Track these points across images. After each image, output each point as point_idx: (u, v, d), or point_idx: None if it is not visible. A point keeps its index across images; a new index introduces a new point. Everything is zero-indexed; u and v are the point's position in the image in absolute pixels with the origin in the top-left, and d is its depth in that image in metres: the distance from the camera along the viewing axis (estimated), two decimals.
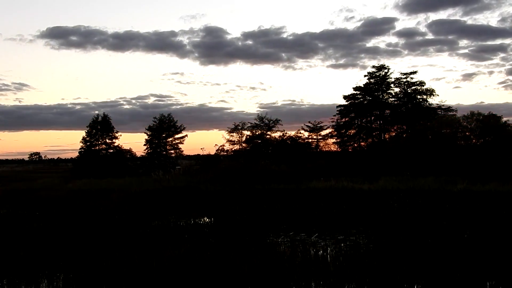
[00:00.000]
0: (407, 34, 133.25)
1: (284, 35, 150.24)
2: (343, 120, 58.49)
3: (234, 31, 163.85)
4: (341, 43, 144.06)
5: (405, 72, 57.92)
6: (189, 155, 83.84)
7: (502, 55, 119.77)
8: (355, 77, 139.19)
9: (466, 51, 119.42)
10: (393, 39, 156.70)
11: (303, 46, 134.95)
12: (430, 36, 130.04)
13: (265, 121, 63.37)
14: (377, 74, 57.57)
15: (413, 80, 56.45)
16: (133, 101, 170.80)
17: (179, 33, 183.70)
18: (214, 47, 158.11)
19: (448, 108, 55.32)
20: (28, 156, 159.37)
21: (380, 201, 24.41)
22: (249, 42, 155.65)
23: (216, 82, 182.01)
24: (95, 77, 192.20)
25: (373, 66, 58.31)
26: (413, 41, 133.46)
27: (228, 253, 13.60)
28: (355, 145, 58.49)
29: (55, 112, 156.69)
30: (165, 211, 25.39)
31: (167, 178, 43.20)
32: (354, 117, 58.02)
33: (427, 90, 55.99)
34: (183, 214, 24.45)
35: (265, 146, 61.41)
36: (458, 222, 17.65)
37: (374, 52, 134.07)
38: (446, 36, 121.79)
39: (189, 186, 35.08)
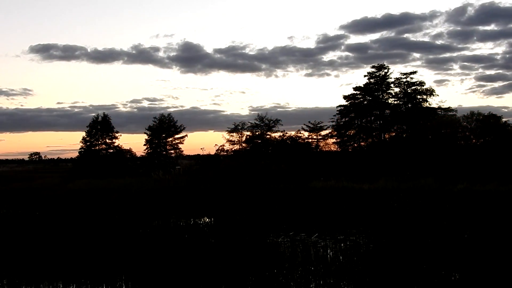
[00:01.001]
0: (358, 48, 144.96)
1: (248, 50, 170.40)
2: (343, 120, 58.48)
3: (207, 46, 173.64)
4: (301, 57, 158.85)
5: (404, 72, 57.90)
6: (189, 155, 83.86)
7: (455, 65, 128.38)
8: (327, 84, 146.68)
9: (418, 62, 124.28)
10: (346, 53, 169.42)
11: (271, 59, 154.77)
12: (380, 51, 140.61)
13: (265, 121, 63.38)
14: (377, 74, 57.54)
15: (413, 80, 56.47)
16: (129, 104, 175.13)
17: (157, 49, 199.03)
18: (192, 60, 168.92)
19: (448, 108, 55.31)
20: (28, 156, 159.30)
21: (380, 201, 24.42)
22: (223, 56, 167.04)
23: (204, 88, 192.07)
24: (89, 83, 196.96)
25: (373, 66, 58.24)
26: (366, 55, 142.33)
27: (228, 253, 13.61)
28: (355, 145, 58.44)
29: (55, 114, 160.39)
30: (165, 211, 25.38)
31: (167, 178, 43.23)
32: (354, 117, 58.00)
33: (427, 90, 55.98)
34: (183, 214, 24.44)
35: (265, 146, 61.39)
36: (458, 222, 17.66)
37: (330, 64, 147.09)
38: (397, 50, 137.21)
39: (189, 186, 35.09)
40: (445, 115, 53.90)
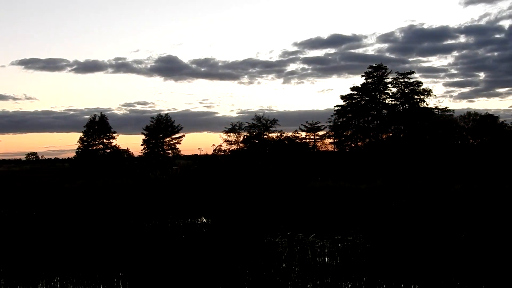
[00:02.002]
0: (317, 61, 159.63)
1: (220, 62, 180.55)
2: (341, 120, 58.47)
3: (184, 59, 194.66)
4: (267, 68, 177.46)
5: (402, 72, 57.79)
6: (187, 155, 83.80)
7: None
8: (301, 90, 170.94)
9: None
10: (306, 65, 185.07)
11: (244, 69, 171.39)
12: (338, 64, 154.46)
13: (262, 121, 63.33)
14: (375, 74, 57.53)
15: (411, 80, 56.48)
16: (123, 107, 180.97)
17: (138, 61, 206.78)
18: (171, 69, 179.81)
19: (445, 109, 55.37)
20: (25, 156, 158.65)
21: (378, 201, 24.45)
22: (200, 67, 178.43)
23: (190, 93, 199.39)
24: (79, 90, 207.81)
25: (370, 66, 58.16)
26: (326, 66, 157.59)
27: (225, 253, 13.61)
28: (352, 145, 58.44)
29: (52, 116, 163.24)
30: (163, 211, 25.37)
31: (165, 178, 43.16)
32: (352, 117, 57.98)
33: (424, 90, 55.99)
34: (181, 214, 24.43)
35: (262, 146, 61.35)
36: (456, 222, 17.70)
37: (294, 73, 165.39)
38: (351, 62, 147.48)
39: (187, 186, 35.07)
40: (442, 115, 53.96)
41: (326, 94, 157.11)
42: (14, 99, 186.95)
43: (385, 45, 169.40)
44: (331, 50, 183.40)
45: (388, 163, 43.66)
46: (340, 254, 13.60)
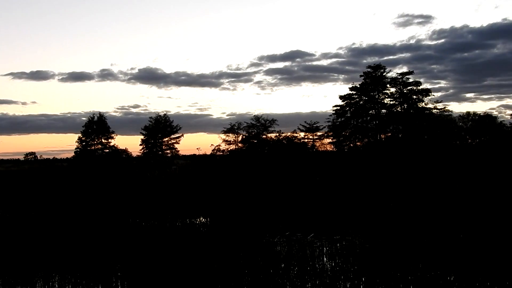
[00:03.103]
0: (283, 71, 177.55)
1: (196, 73, 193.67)
2: (339, 120, 58.49)
3: (164, 70, 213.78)
4: (237, 78, 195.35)
5: (401, 72, 57.83)
6: (185, 155, 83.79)
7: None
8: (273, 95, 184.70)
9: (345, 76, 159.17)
10: (273, 75, 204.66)
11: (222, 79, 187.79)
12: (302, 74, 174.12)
13: (261, 121, 63.36)
14: (373, 74, 57.55)
15: (409, 81, 56.50)
16: (118, 110, 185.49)
17: (122, 72, 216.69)
18: (154, 78, 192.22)
19: (444, 109, 55.42)
20: (24, 156, 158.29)
21: (376, 201, 24.45)
22: (180, 76, 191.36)
23: (177, 97, 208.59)
24: (71, 96, 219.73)
25: (369, 66, 58.20)
26: (290, 76, 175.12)
27: (224, 253, 13.60)
28: (351, 145, 58.48)
29: (51, 118, 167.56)
30: (161, 211, 25.34)
31: (163, 177, 43.15)
32: (350, 117, 58.02)
33: (422, 90, 56.03)
34: (179, 213, 24.40)
35: (261, 146, 61.38)
36: (454, 222, 17.70)
37: (260, 82, 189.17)
38: (313, 73, 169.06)
39: (185, 186, 35.04)
40: (441, 115, 54.02)
41: (307, 99, 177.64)
42: (9, 103, 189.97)
43: (333, 60, 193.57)
44: (288, 63, 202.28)
45: (387, 163, 43.68)
46: (339, 254, 13.59)
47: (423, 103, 55.58)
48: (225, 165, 52.34)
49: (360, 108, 57.33)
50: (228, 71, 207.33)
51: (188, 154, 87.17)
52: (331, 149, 60.68)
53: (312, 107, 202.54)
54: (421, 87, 55.95)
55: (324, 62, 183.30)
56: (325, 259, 13.27)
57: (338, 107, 58.53)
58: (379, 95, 57.49)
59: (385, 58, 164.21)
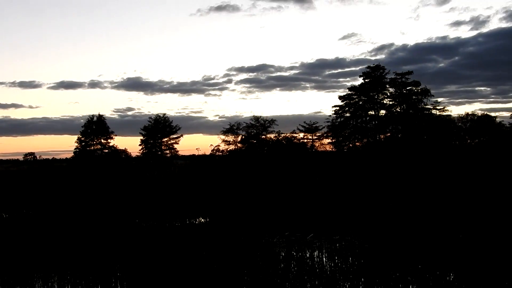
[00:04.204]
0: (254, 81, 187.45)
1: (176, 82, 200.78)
2: (339, 120, 58.47)
3: (150, 79, 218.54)
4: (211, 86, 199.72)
5: (400, 72, 57.77)
6: (184, 155, 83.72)
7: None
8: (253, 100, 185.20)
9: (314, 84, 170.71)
10: (246, 85, 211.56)
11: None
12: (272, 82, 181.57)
13: (260, 121, 63.33)
14: (373, 74, 57.51)
15: (409, 81, 56.46)
16: (114, 112, 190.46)
17: (110, 82, 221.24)
18: (140, 86, 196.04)
19: (443, 109, 55.38)
20: (23, 156, 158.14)
21: (376, 201, 24.45)
22: (163, 85, 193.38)
23: (166, 102, 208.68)
24: (69, 100, 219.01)
25: (368, 67, 58.17)
26: (261, 85, 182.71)
27: (223, 253, 13.60)
28: (350, 145, 58.46)
29: (51, 121, 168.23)
30: (161, 211, 25.35)
31: (162, 178, 43.14)
32: (350, 117, 58.01)
33: (422, 90, 55.98)
34: (179, 214, 24.41)
35: (260, 146, 61.37)
36: (454, 222, 17.71)
37: (235, 90, 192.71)
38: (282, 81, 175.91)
39: (184, 186, 35.04)
40: (440, 116, 54.04)
41: (289, 103, 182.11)
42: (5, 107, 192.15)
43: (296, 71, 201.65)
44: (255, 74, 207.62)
45: (386, 163, 43.69)
46: (338, 254, 13.59)
47: (422, 104, 55.63)
48: (224, 165, 52.36)
49: (359, 108, 57.33)
50: (204, 81, 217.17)
51: (188, 154, 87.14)
52: (330, 149, 60.70)
53: (293, 111, 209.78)
54: (420, 87, 55.98)
55: (289, 73, 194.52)
56: (324, 259, 13.27)
57: (338, 107, 58.53)
58: (378, 95, 57.48)
59: (339, 70, 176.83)
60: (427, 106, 55.38)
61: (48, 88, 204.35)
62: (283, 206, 23.96)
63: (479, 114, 54.53)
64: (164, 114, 69.26)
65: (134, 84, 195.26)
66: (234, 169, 42.39)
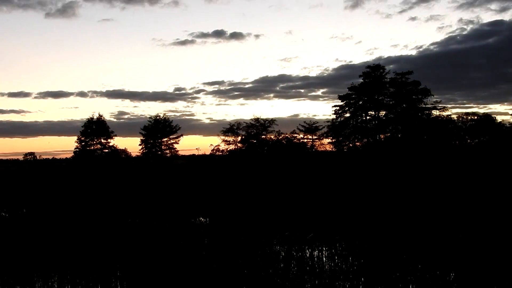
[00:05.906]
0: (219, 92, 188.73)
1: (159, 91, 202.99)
2: (339, 120, 58.45)
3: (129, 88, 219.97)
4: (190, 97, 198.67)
5: (400, 72, 57.73)
6: (184, 155, 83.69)
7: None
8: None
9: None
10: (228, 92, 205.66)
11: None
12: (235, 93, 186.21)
13: (260, 121, 63.33)
14: (373, 74, 57.48)
15: (409, 81, 56.40)
16: (111, 114, 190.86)
17: (93, 92, 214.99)
18: (125, 95, 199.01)
19: (443, 109, 55.34)
20: (23, 156, 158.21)
21: (376, 201, 24.46)
22: (145, 94, 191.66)
23: (153, 107, 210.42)
24: (63, 106, 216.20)
25: (368, 66, 58.15)
26: (227, 95, 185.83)
27: (223, 253, 13.59)
28: (350, 145, 58.44)
29: (51, 122, 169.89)
30: (161, 211, 25.35)
31: (162, 178, 43.13)
32: (350, 117, 58.00)
33: (422, 90, 55.95)
34: (179, 214, 24.41)
35: (260, 146, 61.37)
36: (453, 222, 17.71)
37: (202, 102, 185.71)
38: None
39: (184, 186, 35.03)
40: (440, 116, 54.03)
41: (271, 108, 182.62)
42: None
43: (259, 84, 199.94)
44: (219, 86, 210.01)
45: (386, 163, 43.68)
46: (338, 254, 13.59)
47: (423, 103, 55.60)
48: (224, 165, 52.34)
49: (359, 108, 57.32)
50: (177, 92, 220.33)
51: (188, 154, 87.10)
52: (330, 149, 60.70)
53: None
54: (420, 87, 55.94)
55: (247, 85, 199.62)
56: (324, 259, 13.27)
57: (338, 107, 58.52)
58: (378, 95, 57.47)
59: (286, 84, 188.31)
60: (427, 106, 55.41)
61: (34, 97, 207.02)
62: (283, 206, 23.96)
63: (480, 114, 54.66)
64: (164, 114, 69.31)
65: (118, 94, 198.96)
66: (234, 169, 42.37)
